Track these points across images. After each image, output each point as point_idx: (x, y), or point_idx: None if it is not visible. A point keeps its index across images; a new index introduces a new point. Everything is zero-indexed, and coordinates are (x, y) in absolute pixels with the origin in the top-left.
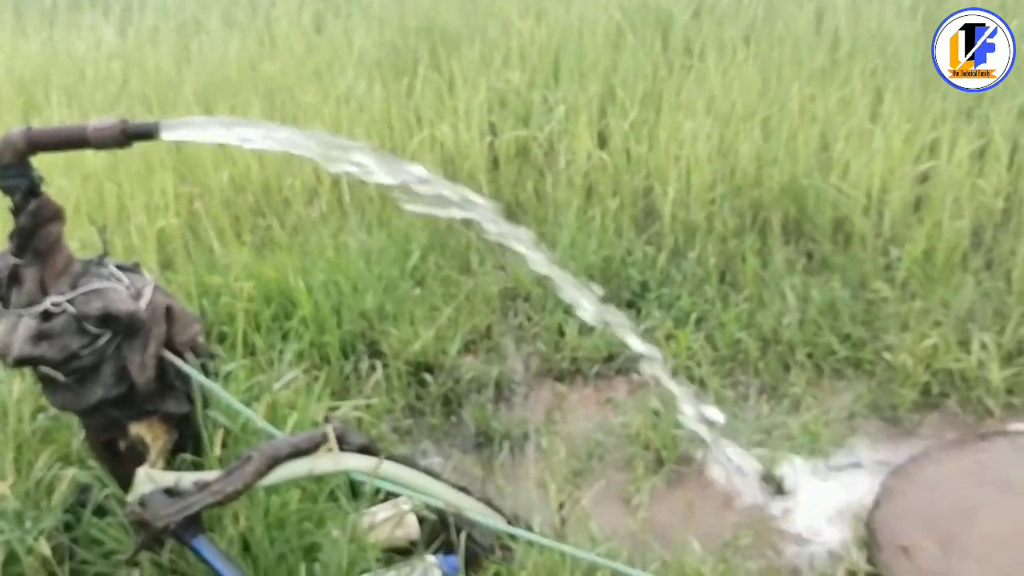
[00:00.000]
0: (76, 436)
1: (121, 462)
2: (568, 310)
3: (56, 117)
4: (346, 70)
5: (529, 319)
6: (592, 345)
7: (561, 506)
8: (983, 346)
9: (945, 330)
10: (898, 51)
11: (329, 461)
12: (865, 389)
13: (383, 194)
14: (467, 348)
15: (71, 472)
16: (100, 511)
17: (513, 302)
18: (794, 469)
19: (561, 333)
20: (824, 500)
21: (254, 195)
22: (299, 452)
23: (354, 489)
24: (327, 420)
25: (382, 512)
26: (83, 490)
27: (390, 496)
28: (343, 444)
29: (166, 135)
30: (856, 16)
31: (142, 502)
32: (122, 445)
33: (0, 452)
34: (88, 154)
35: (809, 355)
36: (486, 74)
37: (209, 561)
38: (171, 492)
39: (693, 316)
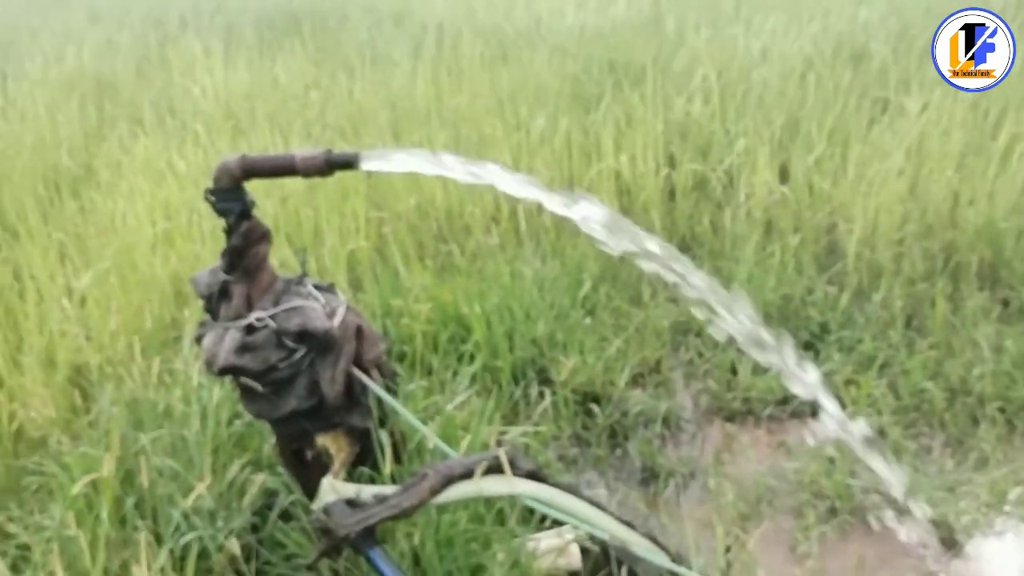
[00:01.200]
0: (267, 443)
1: (307, 471)
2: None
3: (260, 141)
4: (527, 103)
5: (700, 355)
6: (765, 386)
7: (728, 549)
8: None
9: None
10: None
11: (499, 484)
12: None
13: (558, 224)
14: (635, 381)
15: (261, 477)
16: (285, 516)
17: (684, 336)
18: (978, 529)
19: (733, 371)
20: (1007, 564)
21: (437, 221)
22: (471, 473)
23: (521, 514)
24: (499, 444)
25: (546, 539)
26: (270, 495)
27: (555, 524)
28: (513, 468)
29: (365, 165)
30: None
31: (326, 511)
32: (309, 455)
33: (199, 454)
34: (288, 179)
35: (1001, 409)
36: (668, 106)
37: (383, 571)
38: (352, 503)
39: (876, 362)
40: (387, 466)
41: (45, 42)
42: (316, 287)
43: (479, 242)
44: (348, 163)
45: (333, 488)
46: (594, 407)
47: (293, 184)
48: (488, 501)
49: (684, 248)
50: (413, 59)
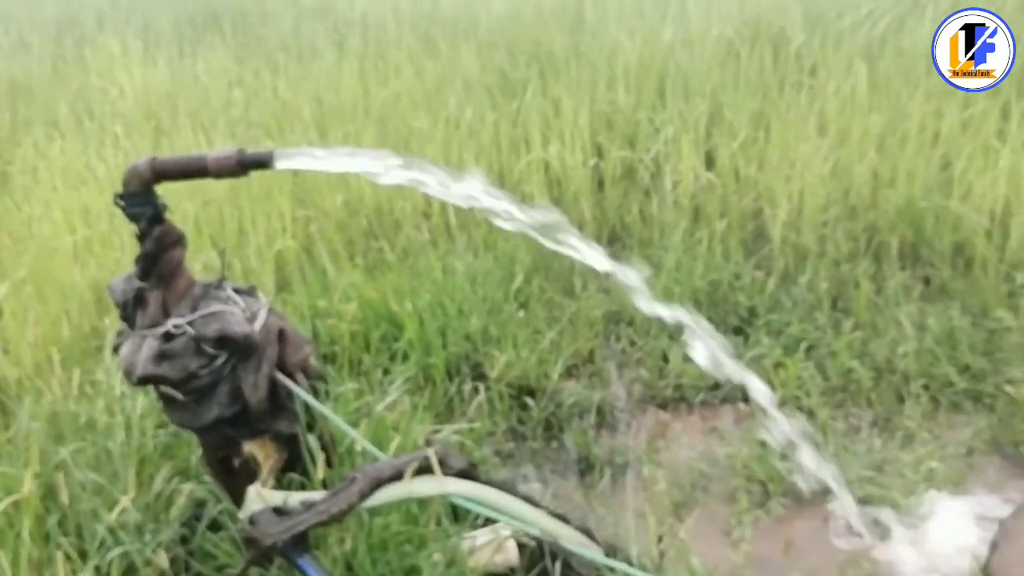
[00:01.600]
0: (194, 452)
1: (235, 479)
2: (672, 335)
3: (183, 142)
4: (455, 95)
5: (632, 344)
6: (697, 372)
7: (660, 539)
8: None
9: None
10: None
11: (429, 484)
12: (985, 424)
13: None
14: (569, 372)
15: (189, 487)
16: (214, 525)
17: (616, 326)
18: (906, 507)
19: (665, 359)
20: (938, 541)
21: (367, 218)
22: (401, 474)
23: (456, 513)
24: (428, 443)
25: (482, 536)
26: (199, 505)
27: (490, 521)
28: (444, 467)
29: (280, 164)
30: None
31: (252, 520)
32: (236, 462)
33: (124, 466)
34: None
35: (925, 387)
36: (592, 96)
37: None
38: (279, 511)
39: (803, 344)
40: (319, 471)
41: None
42: (236, 290)
43: (410, 238)
44: (262, 163)
45: (260, 496)
46: (529, 400)
47: (216, 185)
48: (422, 501)
49: (614, 238)
50: (338, 53)
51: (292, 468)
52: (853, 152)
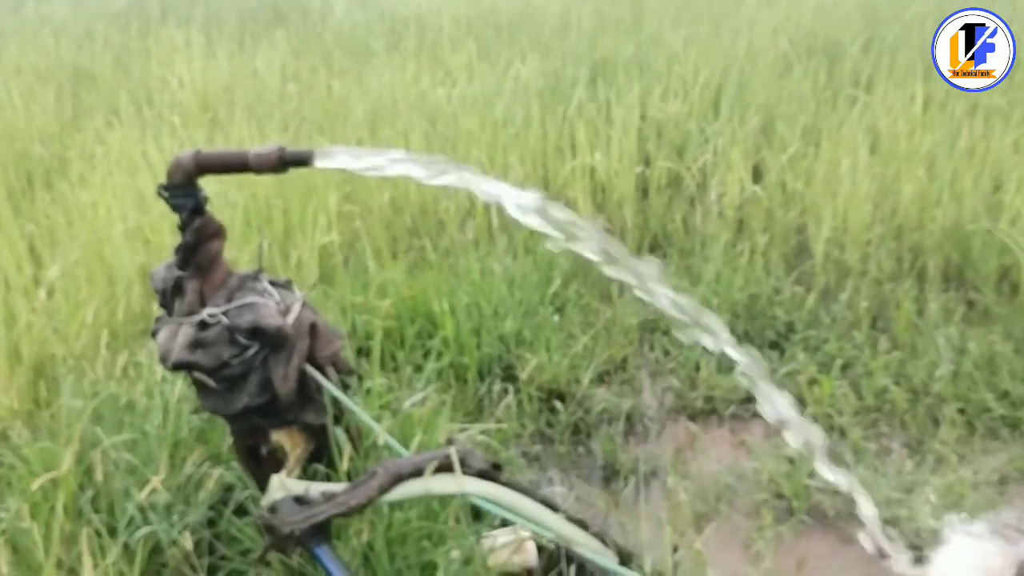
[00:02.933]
0: (225, 439)
1: (262, 466)
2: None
3: (237, 134)
4: (505, 98)
5: (666, 353)
6: (729, 385)
7: (675, 549)
8: None
9: None
10: None
11: (447, 482)
12: (1020, 451)
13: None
14: (601, 379)
15: (218, 472)
16: (240, 510)
17: (652, 335)
18: (934, 530)
19: (697, 369)
20: (964, 567)
21: (411, 216)
22: (422, 471)
23: (476, 512)
24: (450, 441)
25: (502, 536)
26: (228, 489)
27: (510, 520)
28: (464, 466)
29: (319, 163)
30: None
31: (272, 507)
32: (264, 451)
33: (158, 448)
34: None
35: (961, 411)
36: (644, 104)
37: (328, 569)
38: (300, 500)
39: (839, 362)
40: (344, 463)
41: (23, 31)
42: (272, 283)
43: (452, 238)
44: (302, 160)
45: (282, 485)
46: (558, 404)
47: (265, 178)
48: (442, 498)
49: (655, 246)
50: (393, 53)
51: (319, 459)
52: (902, 170)
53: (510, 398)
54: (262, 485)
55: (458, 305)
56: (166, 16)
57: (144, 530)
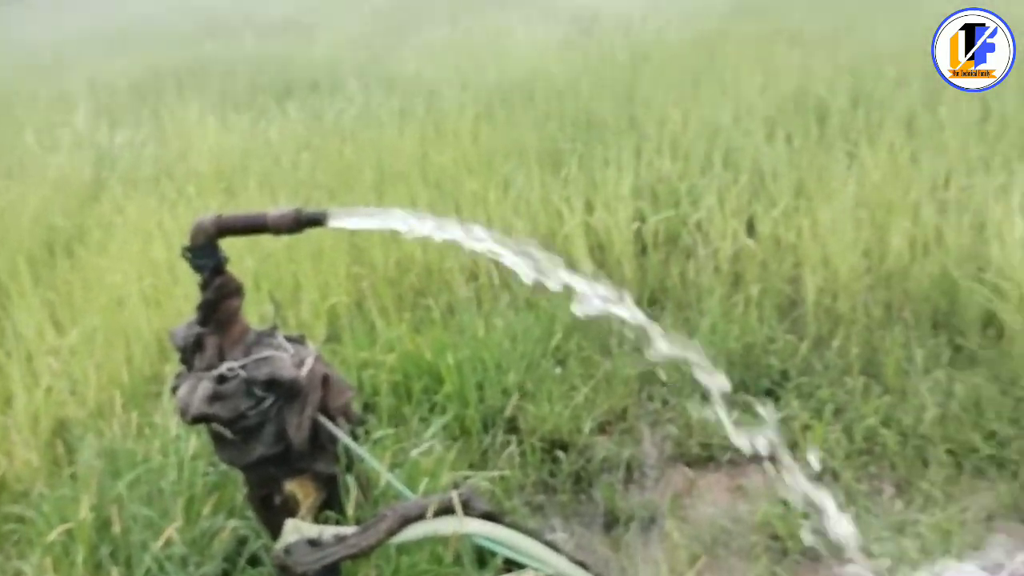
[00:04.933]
0: (240, 491)
1: (275, 516)
2: (705, 395)
3: (249, 203)
4: (507, 161)
5: (665, 403)
6: (726, 432)
7: None
8: None
9: None
10: None
11: (452, 523)
12: (1007, 490)
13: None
14: (602, 428)
15: (232, 523)
16: (254, 560)
17: (651, 385)
18: (923, 568)
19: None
20: None
21: (417, 276)
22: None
23: (481, 560)
24: (455, 486)
25: None
26: (241, 541)
27: (514, 566)
28: (468, 509)
29: (333, 223)
30: None
31: (287, 549)
32: (277, 500)
33: (173, 502)
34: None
35: (949, 451)
36: (638, 164)
37: None
38: (313, 543)
39: (831, 407)
40: (351, 508)
41: (45, 108)
42: (287, 338)
43: (456, 296)
44: (316, 221)
45: (296, 528)
46: (560, 454)
47: (275, 241)
48: (446, 543)
49: (653, 300)
50: (401, 120)
51: (329, 507)
52: (891, 221)
53: (513, 448)
54: (276, 534)
55: (462, 360)
56: (181, 90)
57: None
